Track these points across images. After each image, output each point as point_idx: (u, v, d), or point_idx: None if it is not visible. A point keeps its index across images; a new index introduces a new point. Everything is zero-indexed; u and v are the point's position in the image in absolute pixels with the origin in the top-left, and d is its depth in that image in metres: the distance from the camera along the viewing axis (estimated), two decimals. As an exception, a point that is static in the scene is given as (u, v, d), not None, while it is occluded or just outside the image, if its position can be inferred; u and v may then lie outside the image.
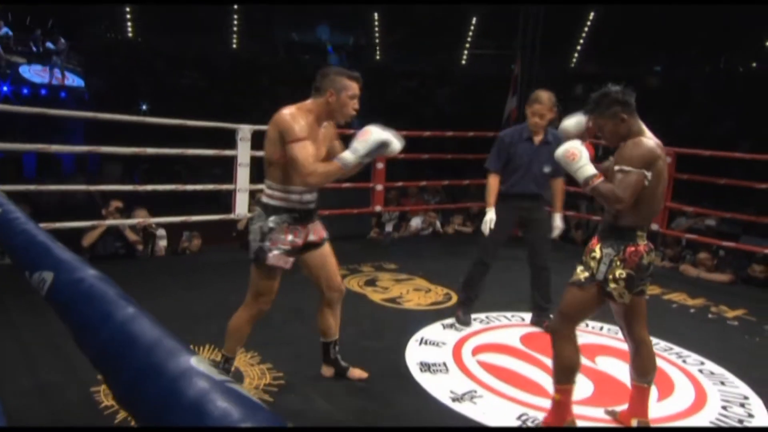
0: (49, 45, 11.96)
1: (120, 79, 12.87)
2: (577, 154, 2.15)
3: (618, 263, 2.13)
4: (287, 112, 2.31)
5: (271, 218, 2.34)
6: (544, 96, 3.28)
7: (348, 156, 2.25)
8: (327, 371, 2.70)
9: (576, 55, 16.02)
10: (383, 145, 2.24)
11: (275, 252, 2.33)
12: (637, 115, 2.17)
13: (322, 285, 2.58)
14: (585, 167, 2.13)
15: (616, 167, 2.10)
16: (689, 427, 2.41)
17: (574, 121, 2.50)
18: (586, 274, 2.19)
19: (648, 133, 2.17)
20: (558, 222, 3.45)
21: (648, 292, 2.30)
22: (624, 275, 2.12)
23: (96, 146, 4.35)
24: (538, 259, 3.49)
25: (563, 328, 2.25)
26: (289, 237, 2.35)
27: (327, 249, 2.54)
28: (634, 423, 2.33)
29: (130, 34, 14.73)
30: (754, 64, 14.74)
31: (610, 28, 14.44)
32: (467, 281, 3.50)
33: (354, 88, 2.34)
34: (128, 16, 14.45)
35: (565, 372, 2.24)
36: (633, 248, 2.13)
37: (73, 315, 0.74)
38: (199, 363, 0.51)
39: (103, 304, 0.68)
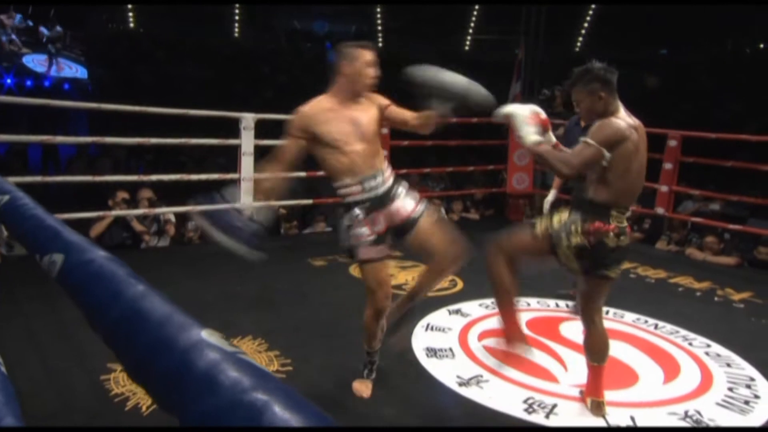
0: (43, 30, 11.79)
1: (122, 69, 12.84)
2: (527, 120, 2.18)
3: (578, 230, 2.13)
4: (300, 109, 2.33)
5: (345, 216, 2.34)
6: None
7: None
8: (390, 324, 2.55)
9: (580, 39, 15.87)
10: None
11: (362, 247, 2.31)
12: (616, 94, 2.18)
13: (436, 259, 2.39)
14: (530, 133, 2.17)
15: (582, 138, 2.14)
16: (680, 428, 2.38)
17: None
18: (544, 225, 2.23)
19: (623, 113, 2.17)
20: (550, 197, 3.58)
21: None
22: (578, 242, 2.13)
23: (100, 137, 4.36)
24: None
25: (493, 250, 2.32)
26: (369, 228, 2.31)
27: (424, 225, 2.35)
28: (588, 402, 2.38)
29: (131, 25, 14.68)
30: (762, 46, 14.56)
31: (615, 12, 14.28)
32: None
33: (365, 54, 2.30)
34: (129, 6, 14.38)
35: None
36: (600, 224, 2.12)
37: (84, 295, 0.75)
38: (210, 336, 0.52)
39: (114, 283, 0.69)
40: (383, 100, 2.41)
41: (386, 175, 2.37)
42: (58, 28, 11.84)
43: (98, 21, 14.00)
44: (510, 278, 2.30)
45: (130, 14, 14.51)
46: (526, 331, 3.21)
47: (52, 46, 11.83)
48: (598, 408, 2.34)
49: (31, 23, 11.90)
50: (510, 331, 2.37)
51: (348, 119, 2.30)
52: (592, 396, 2.36)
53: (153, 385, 0.54)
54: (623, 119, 2.14)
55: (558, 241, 2.17)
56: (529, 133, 2.17)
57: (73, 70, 12.47)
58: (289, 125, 2.32)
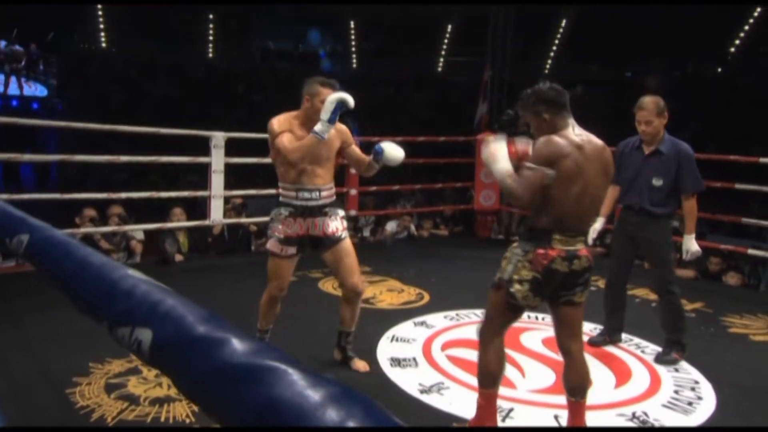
0: None
1: (94, 89, 12.78)
2: (496, 154, 2.10)
3: (526, 264, 2.05)
4: (272, 119, 2.66)
5: (273, 210, 2.74)
6: (647, 101, 3.07)
7: (317, 126, 2.49)
8: (336, 354, 2.95)
9: (549, 61, 16.34)
10: (341, 104, 2.45)
11: (272, 239, 2.71)
12: (566, 114, 2.11)
13: (339, 282, 2.86)
14: (500, 164, 2.08)
15: (525, 164, 2.06)
16: (689, 428, 2.47)
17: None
18: (498, 275, 2.14)
19: (569, 131, 2.08)
20: (689, 245, 3.10)
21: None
22: (529, 277, 2.04)
23: (69, 155, 4.38)
24: (655, 283, 3.31)
25: (484, 332, 2.21)
26: (286, 228, 2.68)
27: (343, 248, 2.74)
28: None
29: (103, 44, 14.64)
30: (719, 69, 15.19)
31: (583, 34, 14.80)
32: (605, 307, 3.33)
33: (324, 93, 2.55)
34: (102, 26, 14.35)
35: (483, 377, 2.20)
36: (543, 251, 2.03)
37: (44, 258, 0.98)
38: (133, 272, 0.78)
39: (68, 247, 0.93)
40: (348, 138, 2.77)
41: (323, 194, 2.72)
42: (17, 47, 11.74)
43: (69, 41, 13.93)
44: (499, 366, 2.18)
45: (102, 34, 14.46)
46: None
47: (8, 66, 11.72)
48: None
49: None
50: (481, 418, 2.22)
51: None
52: None
53: (92, 307, 0.78)
54: (566, 137, 2.06)
55: (510, 285, 2.08)
56: (496, 170, 2.10)
57: (32, 89, 12.36)
58: (276, 126, 2.62)
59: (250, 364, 0.53)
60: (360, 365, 2.89)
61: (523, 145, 2.21)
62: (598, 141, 2.14)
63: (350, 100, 2.46)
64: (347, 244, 2.75)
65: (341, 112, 2.48)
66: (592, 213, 2.14)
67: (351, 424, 0.46)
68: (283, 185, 2.71)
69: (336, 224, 2.73)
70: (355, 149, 2.80)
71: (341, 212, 2.78)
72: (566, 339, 2.19)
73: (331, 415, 0.47)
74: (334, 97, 2.45)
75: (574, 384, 2.19)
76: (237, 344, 0.56)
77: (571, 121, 2.13)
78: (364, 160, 2.79)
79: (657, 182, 3.03)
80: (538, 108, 2.12)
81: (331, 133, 2.58)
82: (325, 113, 2.45)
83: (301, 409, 0.47)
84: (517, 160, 2.13)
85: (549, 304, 2.18)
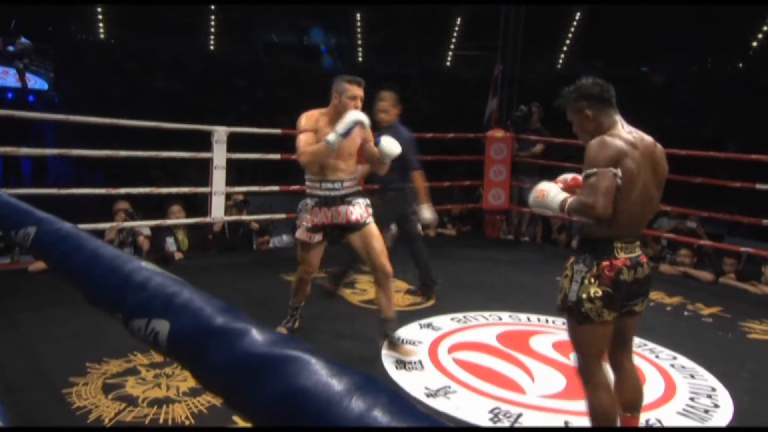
0: (9, 48, 11.61)
1: (92, 81, 12.55)
2: (545, 191, 1.98)
3: (592, 280, 1.88)
4: (303, 114, 2.86)
5: (300, 202, 2.94)
6: (385, 95, 3.85)
7: (329, 136, 2.68)
8: (384, 344, 2.99)
9: (562, 56, 16.10)
10: (357, 123, 2.67)
11: (300, 229, 2.93)
12: (612, 111, 1.98)
13: (368, 265, 2.96)
14: (555, 197, 1.94)
15: (583, 174, 1.90)
16: (700, 428, 2.41)
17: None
18: (560, 296, 1.97)
19: (619, 129, 1.96)
20: (425, 213, 3.84)
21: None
22: (600, 293, 1.87)
23: (66, 149, 4.29)
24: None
25: (584, 370, 1.99)
26: (312, 217, 2.88)
27: (369, 231, 2.89)
28: None
29: (102, 36, 14.41)
30: (741, 65, 14.81)
31: (597, 29, 14.52)
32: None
33: (351, 89, 2.75)
34: (100, 17, 14.11)
35: (601, 420, 1.96)
36: (608, 262, 1.88)
37: (53, 253, 0.96)
38: (147, 264, 0.76)
39: (77, 240, 0.91)
40: (368, 135, 2.91)
41: (345, 185, 2.89)
42: (24, 40, 11.59)
43: (66, 32, 13.71)
44: (611, 404, 1.97)
45: (101, 25, 14.22)
46: (495, 344, 3.22)
47: (20, 62, 11.60)
48: None
49: None
50: None
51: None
52: None
53: (105, 300, 0.77)
54: (618, 135, 1.92)
55: (581, 305, 1.90)
56: (551, 202, 1.96)
57: (32, 82, 12.24)
58: (303, 123, 2.84)
59: (272, 354, 0.53)
60: (405, 350, 2.95)
61: (571, 176, 2.07)
62: (648, 138, 2.01)
63: (366, 121, 2.71)
64: (373, 228, 2.89)
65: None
66: (649, 215, 2.03)
67: (377, 412, 0.46)
68: (308, 177, 2.89)
69: (360, 211, 2.88)
70: (371, 145, 2.92)
71: (364, 201, 2.92)
72: (620, 352, 2.06)
73: (358, 404, 0.47)
74: (353, 115, 2.65)
75: (629, 399, 2.06)
76: (257, 335, 0.57)
77: (619, 118, 1.99)
78: (377, 154, 2.91)
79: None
80: (580, 104, 1.98)
81: (355, 129, 2.75)
82: (341, 127, 2.64)
83: (327, 398, 0.48)
84: (571, 189, 2.01)
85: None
